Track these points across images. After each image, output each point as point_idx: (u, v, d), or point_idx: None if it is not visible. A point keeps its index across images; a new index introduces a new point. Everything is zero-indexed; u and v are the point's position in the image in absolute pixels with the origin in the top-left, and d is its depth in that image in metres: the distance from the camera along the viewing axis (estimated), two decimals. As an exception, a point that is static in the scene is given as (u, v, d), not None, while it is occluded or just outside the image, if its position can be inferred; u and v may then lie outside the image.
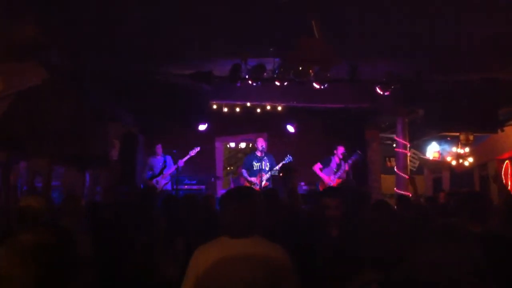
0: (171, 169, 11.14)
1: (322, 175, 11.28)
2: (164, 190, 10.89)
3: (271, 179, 10.90)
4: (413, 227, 4.68)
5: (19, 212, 4.19)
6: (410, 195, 10.78)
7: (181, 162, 11.05)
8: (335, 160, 11.29)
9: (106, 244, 5.09)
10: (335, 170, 11.22)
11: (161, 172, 11.12)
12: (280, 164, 10.77)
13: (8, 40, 4.79)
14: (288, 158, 10.91)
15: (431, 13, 6.46)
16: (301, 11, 5.98)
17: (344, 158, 11.17)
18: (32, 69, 5.11)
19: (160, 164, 11.21)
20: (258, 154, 11.06)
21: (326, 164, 11.34)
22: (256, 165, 10.99)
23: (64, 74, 6.51)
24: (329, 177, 11.20)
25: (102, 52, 7.56)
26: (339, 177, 11.17)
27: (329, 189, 5.96)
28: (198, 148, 11.29)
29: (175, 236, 5.10)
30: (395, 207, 7.37)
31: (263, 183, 10.81)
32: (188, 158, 11.17)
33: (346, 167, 11.12)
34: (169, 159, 11.28)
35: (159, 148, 11.36)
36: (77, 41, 6.72)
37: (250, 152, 12.23)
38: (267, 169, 10.93)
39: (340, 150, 11.26)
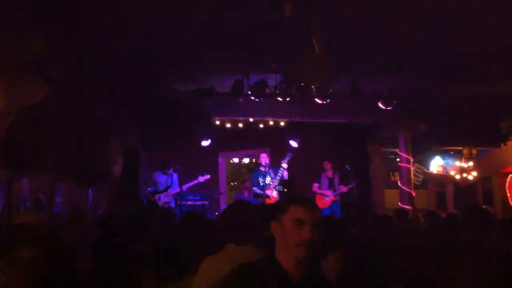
0: (175, 189, 11.12)
1: (322, 191, 11.76)
2: (165, 208, 10.86)
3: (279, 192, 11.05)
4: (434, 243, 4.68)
5: (17, 229, 4.21)
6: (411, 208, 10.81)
7: (186, 186, 11.09)
8: (325, 175, 11.68)
9: (108, 258, 5.12)
10: (328, 186, 11.79)
11: (165, 190, 11.09)
12: (283, 163, 10.97)
13: (13, 56, 4.84)
14: (288, 155, 11.00)
15: (433, 28, 6.50)
16: (303, 27, 6.02)
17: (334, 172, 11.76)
18: (35, 85, 5.15)
19: (165, 181, 11.18)
20: (262, 169, 11.18)
21: (318, 181, 11.90)
22: (261, 180, 11.09)
23: (67, 89, 6.56)
24: (329, 191, 11.70)
25: (106, 67, 7.62)
26: (336, 194, 11.63)
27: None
28: (208, 176, 11.33)
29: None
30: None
31: (276, 193, 10.91)
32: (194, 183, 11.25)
33: (337, 180, 11.68)
34: (175, 177, 11.26)
35: (169, 170, 11.34)
36: (81, 56, 6.78)
37: (254, 168, 12.27)
38: (270, 183, 11.02)
39: (326, 165, 11.62)
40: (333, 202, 11.62)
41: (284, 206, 2.57)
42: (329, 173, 11.85)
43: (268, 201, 10.66)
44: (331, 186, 11.75)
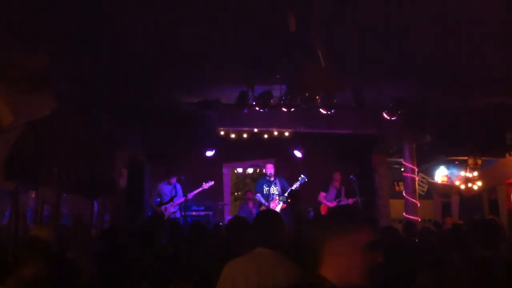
0: (180, 198, 11.16)
1: (328, 203, 11.70)
2: (171, 218, 10.91)
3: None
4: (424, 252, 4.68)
5: (28, 242, 4.21)
6: (419, 219, 10.76)
7: (192, 195, 11.12)
8: (334, 185, 11.58)
9: (114, 271, 5.12)
10: (334, 196, 11.74)
11: (171, 200, 11.13)
12: (295, 185, 10.90)
13: (21, 72, 4.87)
14: (302, 179, 11.00)
15: (438, 38, 6.51)
16: (307, 39, 6.04)
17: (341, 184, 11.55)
18: (41, 100, 5.19)
19: (169, 191, 11.22)
20: (268, 178, 11.22)
21: (326, 190, 11.89)
22: (265, 189, 11.10)
23: (73, 102, 6.59)
24: (334, 203, 11.67)
25: (111, 80, 7.65)
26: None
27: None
28: (212, 182, 11.38)
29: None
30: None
31: (280, 206, 10.90)
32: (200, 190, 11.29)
33: (343, 192, 11.52)
34: (179, 187, 11.32)
35: (173, 179, 11.42)
36: (86, 69, 6.81)
37: (260, 177, 12.30)
38: (275, 193, 11.04)
39: (337, 176, 11.61)
40: None
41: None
42: (337, 184, 11.85)
43: None
44: (337, 197, 11.75)
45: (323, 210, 11.55)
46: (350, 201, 11.55)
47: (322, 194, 11.83)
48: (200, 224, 6.62)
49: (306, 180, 11.08)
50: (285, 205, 10.93)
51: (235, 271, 3.33)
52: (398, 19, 6.00)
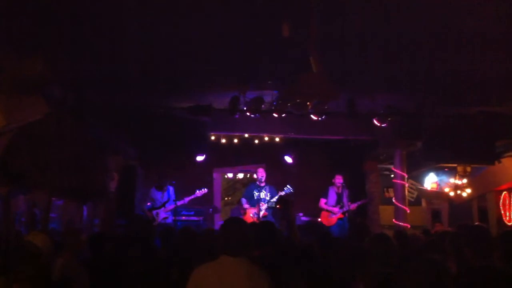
0: (172, 204, 11.07)
1: (329, 208, 11.43)
2: (162, 223, 10.84)
3: (270, 210, 10.93)
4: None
5: (21, 247, 4.19)
6: (409, 226, 10.78)
7: (186, 200, 11.05)
8: (334, 189, 11.46)
9: (105, 277, 5.10)
10: (336, 201, 11.38)
11: (162, 205, 11.05)
12: (278, 195, 10.79)
13: (14, 76, 4.85)
14: (287, 189, 10.92)
15: (431, 48, 6.55)
16: (300, 46, 6.07)
17: (343, 188, 11.40)
18: (34, 104, 5.17)
19: (160, 197, 11.15)
20: (258, 183, 11.17)
21: (326, 196, 11.56)
22: (255, 194, 11.06)
23: (65, 107, 6.56)
24: (336, 208, 11.36)
25: (103, 86, 7.62)
26: (344, 212, 11.30)
27: None
28: (206, 190, 11.30)
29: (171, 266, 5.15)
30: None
31: (262, 213, 10.82)
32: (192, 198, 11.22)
33: (345, 196, 11.33)
34: (172, 191, 11.23)
35: (164, 185, 11.31)
36: (79, 75, 6.78)
37: (250, 182, 12.27)
38: (267, 198, 10.99)
39: (338, 179, 11.44)
40: (340, 219, 11.30)
41: None
42: (339, 188, 11.47)
43: (248, 219, 10.60)
44: (338, 202, 11.39)
45: (323, 217, 11.40)
46: (353, 206, 11.25)
47: (323, 200, 11.50)
48: (190, 230, 6.52)
49: (291, 191, 10.91)
50: (267, 213, 10.88)
51: (200, 278, 3.43)
52: (392, 33, 6.05)
